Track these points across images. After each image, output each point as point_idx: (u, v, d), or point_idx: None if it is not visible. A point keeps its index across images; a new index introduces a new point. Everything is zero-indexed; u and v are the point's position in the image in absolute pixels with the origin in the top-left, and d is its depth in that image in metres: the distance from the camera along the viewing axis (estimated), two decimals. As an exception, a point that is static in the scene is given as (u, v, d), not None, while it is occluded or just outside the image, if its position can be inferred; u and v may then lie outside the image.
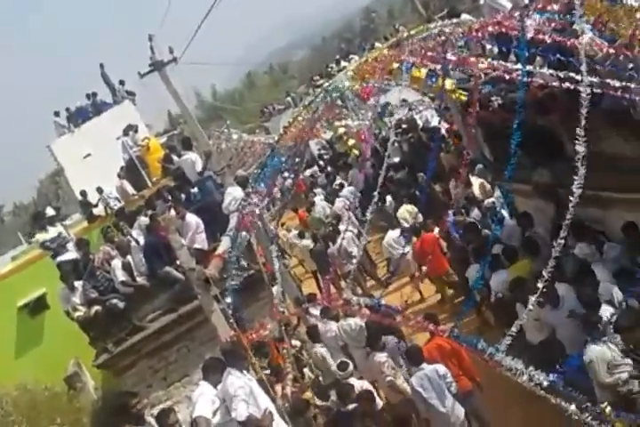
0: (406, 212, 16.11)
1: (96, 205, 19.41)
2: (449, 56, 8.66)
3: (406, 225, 15.68)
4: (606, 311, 7.64)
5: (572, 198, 5.93)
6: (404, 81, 8.44)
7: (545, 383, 5.08)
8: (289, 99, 40.39)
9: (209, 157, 15.90)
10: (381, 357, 9.44)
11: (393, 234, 15.36)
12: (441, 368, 8.50)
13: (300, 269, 20.21)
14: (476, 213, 13.28)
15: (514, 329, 5.53)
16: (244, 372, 7.37)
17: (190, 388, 10.93)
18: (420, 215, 15.69)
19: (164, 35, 22.58)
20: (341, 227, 16.52)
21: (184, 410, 9.72)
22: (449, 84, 9.66)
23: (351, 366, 9.66)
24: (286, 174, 10.97)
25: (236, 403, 6.88)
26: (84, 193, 19.93)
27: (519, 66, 7.80)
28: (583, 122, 6.08)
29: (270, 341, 9.57)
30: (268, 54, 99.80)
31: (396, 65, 8.64)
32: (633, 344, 7.12)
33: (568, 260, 8.56)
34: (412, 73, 9.05)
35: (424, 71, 9.42)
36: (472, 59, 8.64)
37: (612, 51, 7.52)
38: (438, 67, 9.00)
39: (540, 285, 5.86)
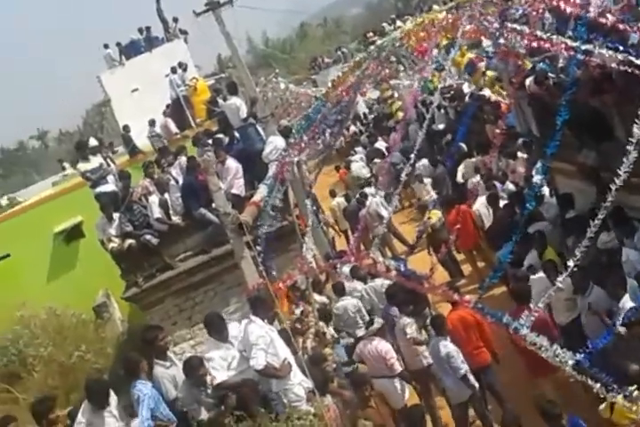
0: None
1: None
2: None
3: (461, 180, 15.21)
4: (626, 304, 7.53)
5: (616, 182, 5.78)
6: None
7: (570, 362, 5.05)
8: (340, 53, 39.75)
9: (254, 103, 15.82)
10: (406, 319, 9.48)
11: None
12: (445, 348, 8.54)
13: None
14: (511, 187, 13.17)
15: (541, 305, 5.51)
16: (266, 321, 7.43)
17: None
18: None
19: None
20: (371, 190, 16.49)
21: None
22: (489, 76, 9.47)
23: (377, 324, 9.66)
24: (329, 130, 10.90)
25: (254, 351, 6.91)
26: (126, 128, 20.18)
27: (577, 44, 7.58)
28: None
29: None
30: (320, 8, 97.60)
31: (444, 42, 8.47)
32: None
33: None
34: (457, 55, 8.85)
35: (466, 58, 9.19)
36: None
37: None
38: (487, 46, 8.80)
39: (570, 263, 5.80)
